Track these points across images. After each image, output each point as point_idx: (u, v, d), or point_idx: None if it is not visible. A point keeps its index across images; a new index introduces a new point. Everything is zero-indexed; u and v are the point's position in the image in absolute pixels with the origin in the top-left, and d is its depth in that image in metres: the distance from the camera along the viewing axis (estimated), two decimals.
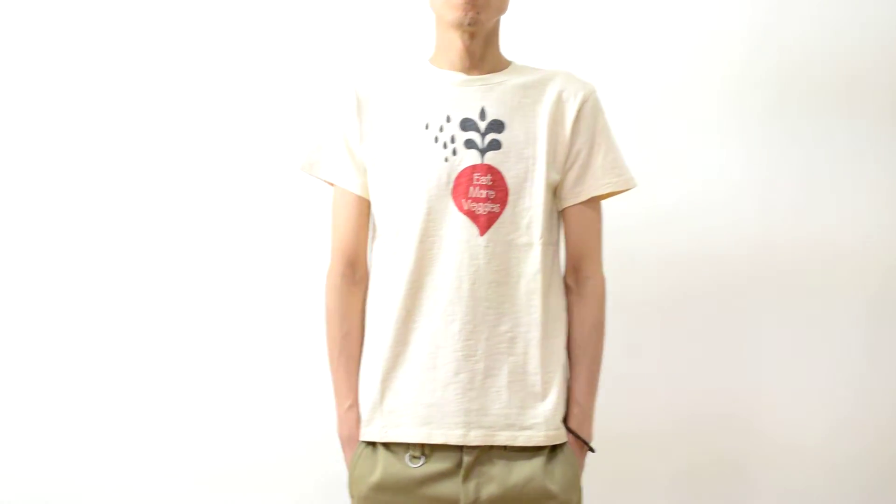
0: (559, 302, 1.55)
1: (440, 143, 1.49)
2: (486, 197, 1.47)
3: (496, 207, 1.47)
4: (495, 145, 1.48)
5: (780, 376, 2.11)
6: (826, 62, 2.11)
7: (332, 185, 1.58)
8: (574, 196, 1.54)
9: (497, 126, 1.49)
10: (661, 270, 2.10)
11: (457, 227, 1.47)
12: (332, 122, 1.57)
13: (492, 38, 1.53)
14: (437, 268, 1.47)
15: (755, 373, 2.11)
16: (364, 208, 1.56)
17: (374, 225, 1.57)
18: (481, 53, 1.52)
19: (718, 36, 2.12)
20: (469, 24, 1.45)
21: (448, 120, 1.50)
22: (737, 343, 2.11)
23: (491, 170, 1.47)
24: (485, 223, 1.47)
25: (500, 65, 1.55)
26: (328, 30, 2.12)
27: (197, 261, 2.09)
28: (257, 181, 2.09)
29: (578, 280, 1.56)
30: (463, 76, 1.52)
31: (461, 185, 1.47)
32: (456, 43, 1.51)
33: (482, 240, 1.47)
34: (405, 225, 1.49)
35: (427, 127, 1.50)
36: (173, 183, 2.09)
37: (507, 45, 1.61)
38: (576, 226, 1.56)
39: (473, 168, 1.47)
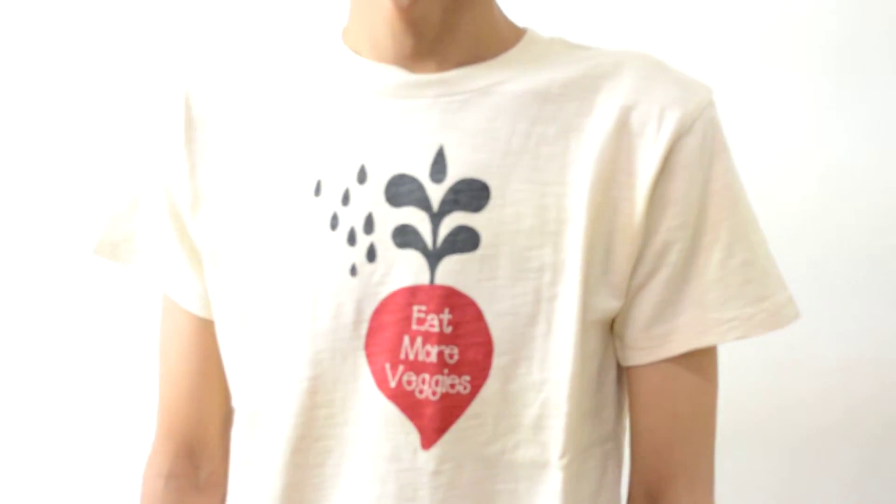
0: None
1: (342, 229, 0.66)
2: (441, 360, 0.64)
3: (462, 385, 0.65)
4: (465, 242, 0.64)
5: None
6: None
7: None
8: (654, 345, 0.68)
9: (472, 194, 0.64)
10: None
11: (374, 425, 0.66)
12: (147, 164, 0.76)
13: None
14: None
15: None
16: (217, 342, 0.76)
17: None
18: (441, 26, 0.66)
19: None
20: None
21: (362, 177, 0.66)
22: None
23: (453, 297, 0.64)
24: (434, 421, 0.65)
25: (490, 45, 0.68)
26: None
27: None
28: None
29: None
30: (401, 74, 0.67)
31: (386, 332, 0.64)
32: (384, 5, 0.65)
33: (428, 457, 0.65)
34: (268, 407, 0.69)
35: (318, 190, 0.67)
36: None
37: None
38: (656, 407, 0.70)
39: (412, 293, 0.64)
